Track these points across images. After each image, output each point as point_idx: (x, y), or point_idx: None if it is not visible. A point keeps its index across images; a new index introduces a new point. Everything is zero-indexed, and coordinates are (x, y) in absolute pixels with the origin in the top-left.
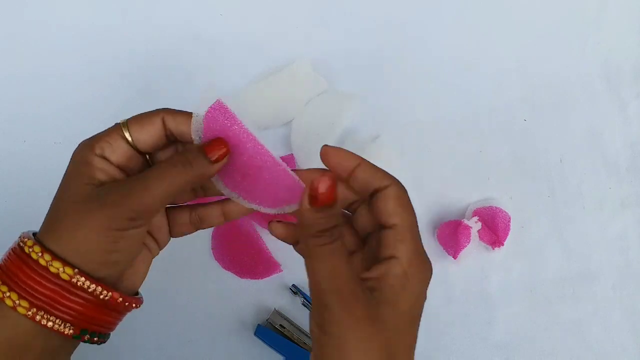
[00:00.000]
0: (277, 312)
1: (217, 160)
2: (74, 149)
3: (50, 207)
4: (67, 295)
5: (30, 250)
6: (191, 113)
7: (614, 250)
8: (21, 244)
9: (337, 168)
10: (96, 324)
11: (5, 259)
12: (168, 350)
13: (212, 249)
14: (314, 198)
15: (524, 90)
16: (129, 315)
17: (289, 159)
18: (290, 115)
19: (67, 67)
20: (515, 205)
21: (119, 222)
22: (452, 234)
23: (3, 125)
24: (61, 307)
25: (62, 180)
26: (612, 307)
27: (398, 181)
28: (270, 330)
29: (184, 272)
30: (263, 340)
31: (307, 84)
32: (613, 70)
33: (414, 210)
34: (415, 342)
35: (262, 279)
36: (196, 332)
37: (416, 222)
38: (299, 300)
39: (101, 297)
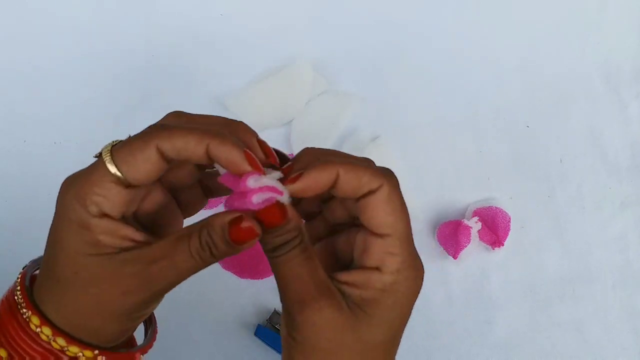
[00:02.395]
0: (277, 312)
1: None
2: (72, 151)
3: (46, 267)
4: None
5: (39, 330)
6: (189, 130)
7: (614, 250)
8: (23, 311)
9: (313, 189)
10: None
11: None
12: (168, 350)
13: None
14: (261, 223)
15: (524, 90)
16: None
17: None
18: (290, 115)
19: (67, 68)
20: (515, 205)
21: (141, 307)
22: (452, 234)
23: (3, 125)
24: None
25: (54, 237)
26: (612, 307)
27: (389, 176)
28: (270, 330)
29: None
30: (263, 340)
31: (307, 84)
32: (613, 70)
33: (407, 212)
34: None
35: (262, 279)
36: (196, 332)
37: (409, 225)
38: None
39: None
